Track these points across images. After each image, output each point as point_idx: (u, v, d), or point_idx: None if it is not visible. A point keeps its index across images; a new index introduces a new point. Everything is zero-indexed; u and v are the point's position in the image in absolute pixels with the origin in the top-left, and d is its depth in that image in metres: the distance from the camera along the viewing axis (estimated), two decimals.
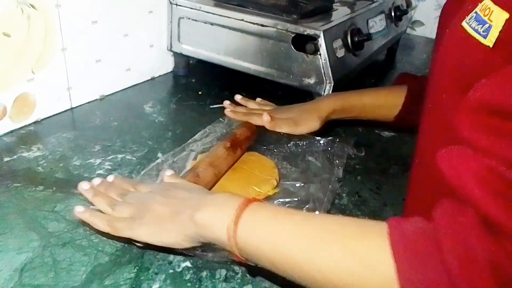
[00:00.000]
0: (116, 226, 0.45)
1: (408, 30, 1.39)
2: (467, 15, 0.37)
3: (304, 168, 0.64)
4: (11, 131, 0.68)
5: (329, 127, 0.73)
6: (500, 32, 0.32)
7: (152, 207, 0.45)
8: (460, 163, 0.31)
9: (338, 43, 0.79)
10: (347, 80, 0.83)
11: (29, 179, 0.57)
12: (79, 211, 0.47)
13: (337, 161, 0.64)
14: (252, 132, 0.68)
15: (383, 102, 0.72)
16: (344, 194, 0.62)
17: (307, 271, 0.35)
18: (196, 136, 0.68)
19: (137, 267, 0.46)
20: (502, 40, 0.32)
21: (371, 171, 0.69)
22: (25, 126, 0.70)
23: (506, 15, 0.32)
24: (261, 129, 0.69)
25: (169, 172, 0.52)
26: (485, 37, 0.33)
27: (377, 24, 0.97)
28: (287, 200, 0.56)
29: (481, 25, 0.34)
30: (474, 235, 0.28)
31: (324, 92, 0.77)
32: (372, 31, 0.93)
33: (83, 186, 0.50)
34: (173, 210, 0.44)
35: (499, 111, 0.29)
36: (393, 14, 1.07)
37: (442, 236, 0.29)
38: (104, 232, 0.45)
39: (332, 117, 0.71)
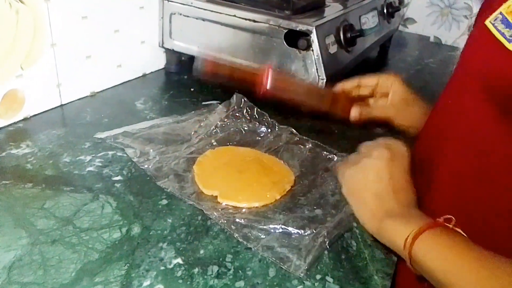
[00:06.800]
0: (341, 170, 0.51)
1: (401, 28, 1.39)
2: (491, 14, 0.35)
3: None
4: (0, 128, 0.67)
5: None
6: None
7: (366, 179, 0.47)
8: None
9: (330, 39, 0.79)
10: (340, 77, 0.82)
11: (18, 176, 0.57)
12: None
13: None
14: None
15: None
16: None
17: None
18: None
19: (128, 264, 0.45)
20: None
21: None
22: (14, 123, 0.69)
23: None
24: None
25: None
26: (510, 41, 0.32)
27: (369, 21, 0.97)
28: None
29: (508, 29, 0.33)
30: None
31: None
32: (364, 27, 0.93)
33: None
34: (377, 194, 0.46)
35: None
36: (385, 11, 1.07)
37: None
38: None
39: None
